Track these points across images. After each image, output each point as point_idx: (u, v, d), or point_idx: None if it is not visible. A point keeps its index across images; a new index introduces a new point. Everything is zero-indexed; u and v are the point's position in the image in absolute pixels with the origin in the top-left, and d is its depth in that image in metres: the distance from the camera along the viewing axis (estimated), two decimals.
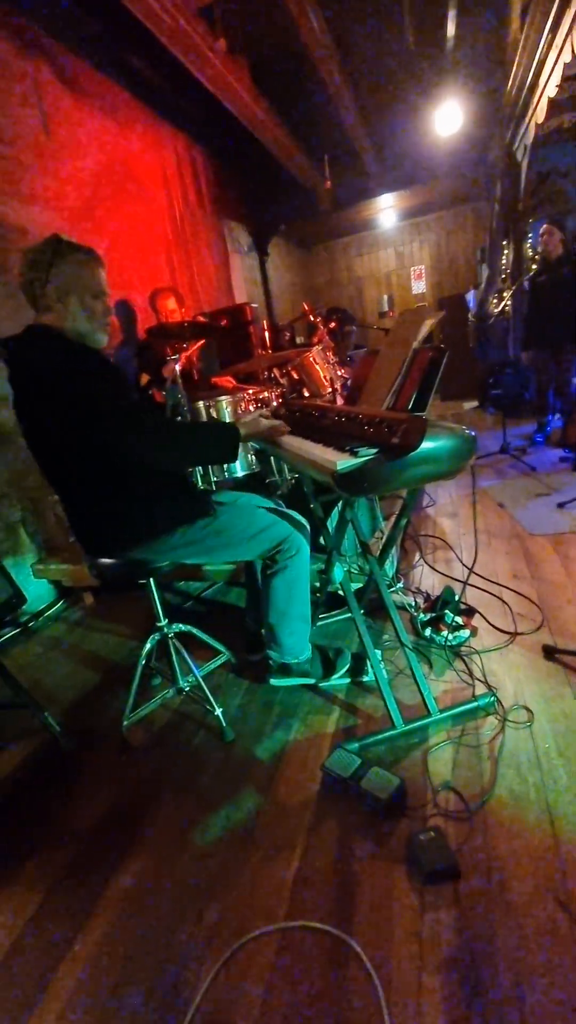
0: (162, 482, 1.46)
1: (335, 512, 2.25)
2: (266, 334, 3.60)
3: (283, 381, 3.15)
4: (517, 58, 3.69)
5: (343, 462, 1.11)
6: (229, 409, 2.68)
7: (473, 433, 1.17)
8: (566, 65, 3.31)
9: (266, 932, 1.07)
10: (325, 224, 7.77)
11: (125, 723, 1.62)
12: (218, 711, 1.60)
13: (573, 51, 3.11)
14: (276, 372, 3.51)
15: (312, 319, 3.49)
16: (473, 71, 4.41)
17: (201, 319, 3.64)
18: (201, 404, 2.62)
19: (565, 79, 3.63)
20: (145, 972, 1.04)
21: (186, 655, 1.65)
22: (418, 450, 1.09)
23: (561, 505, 3.03)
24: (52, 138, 2.96)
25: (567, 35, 3.07)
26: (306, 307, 3.36)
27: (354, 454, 1.14)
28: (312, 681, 1.78)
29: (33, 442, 1.43)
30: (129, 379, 2.11)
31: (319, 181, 5.87)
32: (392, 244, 9.11)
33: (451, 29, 3.83)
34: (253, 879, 1.18)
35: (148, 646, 1.66)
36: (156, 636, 1.67)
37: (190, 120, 4.38)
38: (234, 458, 1.43)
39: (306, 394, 2.96)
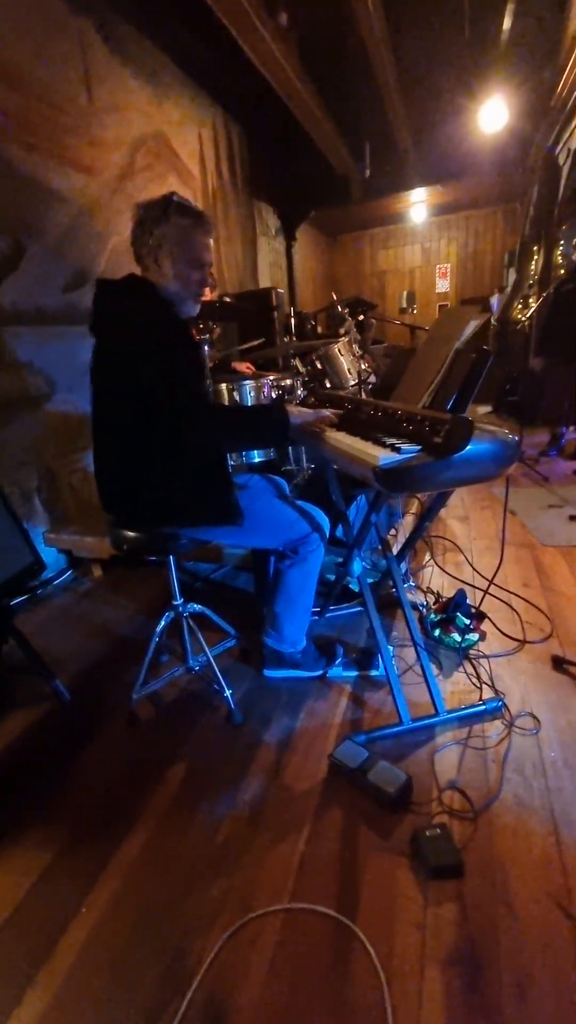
0: (209, 475, 1.45)
1: (353, 506, 2.25)
2: (291, 321, 3.57)
3: (303, 370, 3.13)
4: (573, 57, 3.62)
5: (385, 457, 1.11)
6: (253, 394, 2.67)
7: (516, 439, 1.16)
8: None
9: (272, 911, 1.08)
10: (354, 213, 7.67)
11: (135, 696, 1.64)
12: (227, 692, 1.62)
13: None
14: (297, 361, 3.49)
15: (340, 309, 3.46)
16: (524, 68, 4.32)
17: (228, 300, 3.60)
18: (224, 387, 2.61)
19: None
20: (151, 938, 1.06)
21: (200, 636, 1.66)
22: (461, 452, 1.08)
23: (573, 518, 3.04)
24: (93, 102, 2.90)
25: None
26: (335, 297, 3.34)
27: (396, 450, 1.14)
28: (303, 674, 1.79)
29: (100, 392, 1.42)
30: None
31: (353, 169, 5.78)
32: (419, 240, 9.01)
33: (507, 22, 3.75)
34: (259, 859, 1.20)
35: (163, 623, 1.67)
36: (171, 614, 1.68)
37: (230, 95, 4.30)
38: (284, 445, 1.42)
39: (328, 385, 2.94)
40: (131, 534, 1.47)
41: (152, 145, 3.43)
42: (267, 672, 1.80)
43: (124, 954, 1.04)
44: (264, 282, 5.42)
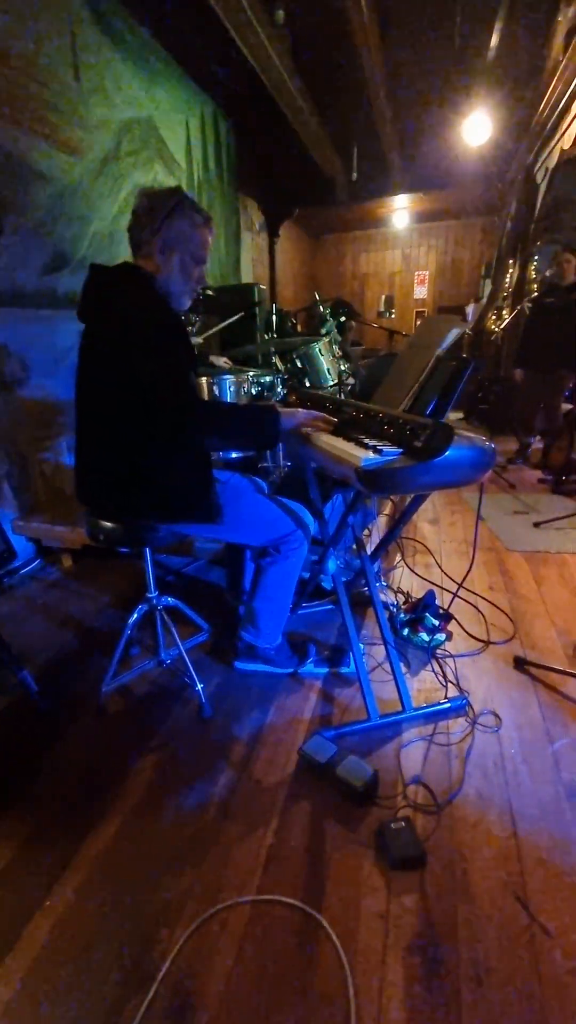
0: (193, 473, 1.44)
1: (329, 504, 2.28)
2: (273, 318, 3.57)
3: (282, 367, 3.13)
4: (554, 80, 3.73)
5: (367, 459, 1.13)
6: (232, 389, 2.67)
7: (493, 446, 1.20)
8: None
9: (238, 903, 1.10)
10: (338, 215, 7.72)
11: (104, 689, 1.62)
12: (199, 686, 1.62)
13: None
14: (277, 358, 3.49)
15: (321, 309, 3.48)
16: (508, 85, 4.43)
17: (210, 293, 3.57)
18: (203, 380, 2.60)
19: None
20: (118, 929, 1.06)
21: (173, 629, 1.65)
22: (441, 456, 1.12)
23: (537, 524, 3.15)
24: (81, 81, 2.83)
25: None
26: (317, 297, 3.36)
27: (378, 452, 1.16)
28: (274, 670, 1.81)
29: (87, 381, 1.40)
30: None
31: (339, 171, 5.81)
32: (400, 245, 9.13)
33: (494, 39, 3.84)
34: (227, 851, 1.21)
35: (135, 616, 1.66)
36: (144, 607, 1.67)
37: (220, 87, 4.27)
38: (274, 446, 1.42)
39: (307, 384, 2.96)
40: (108, 524, 1.46)
41: (139, 130, 3.37)
42: (239, 664, 1.81)
43: (90, 945, 1.03)
44: (247, 277, 5.40)
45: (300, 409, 1.50)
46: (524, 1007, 0.92)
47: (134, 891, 1.13)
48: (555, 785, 1.36)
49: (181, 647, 1.64)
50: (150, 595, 1.66)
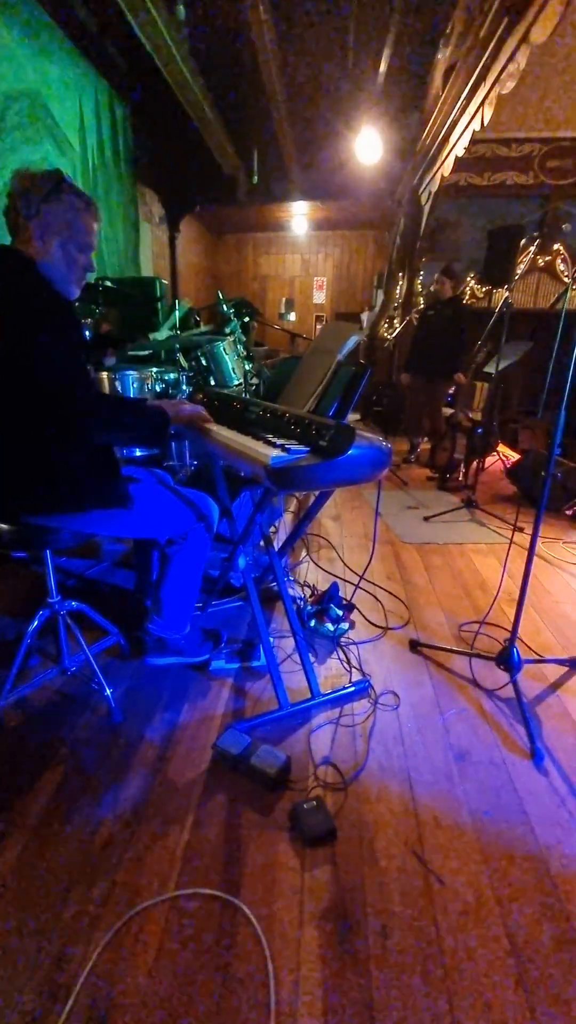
0: (94, 459, 1.40)
1: (237, 502, 2.31)
2: (175, 314, 3.51)
3: (186, 365, 3.10)
4: (435, 112, 4.07)
5: (276, 457, 1.18)
6: (136, 385, 2.60)
7: (389, 446, 1.31)
8: (475, 132, 3.74)
9: (155, 903, 1.09)
10: (240, 215, 7.75)
11: (0, 704, 1.51)
12: (107, 691, 1.57)
13: (483, 122, 3.54)
14: (181, 355, 3.45)
15: (225, 308, 3.49)
16: (396, 112, 4.75)
17: (109, 284, 3.43)
18: (105, 375, 2.50)
19: (473, 142, 4.10)
20: (27, 951, 1.00)
21: (78, 634, 1.58)
22: (344, 455, 1.20)
23: (427, 519, 3.43)
24: None
25: (480, 105, 3.48)
26: (221, 296, 3.36)
27: (285, 451, 1.21)
28: (188, 661, 1.81)
29: None
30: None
31: (239, 170, 5.85)
32: (300, 251, 9.39)
33: (383, 65, 4.09)
34: (142, 854, 1.20)
35: (35, 623, 1.56)
36: (45, 613, 1.58)
37: (116, 71, 4.10)
38: (163, 444, 1.42)
39: (212, 382, 2.97)
40: (4, 527, 1.36)
41: (27, 104, 3.14)
42: (149, 660, 1.78)
43: None
44: (147, 271, 5.24)
45: (186, 403, 1.53)
46: (424, 951, 1.03)
47: (42, 913, 1.08)
48: (445, 751, 1.52)
49: (88, 652, 1.58)
50: (52, 600, 1.58)
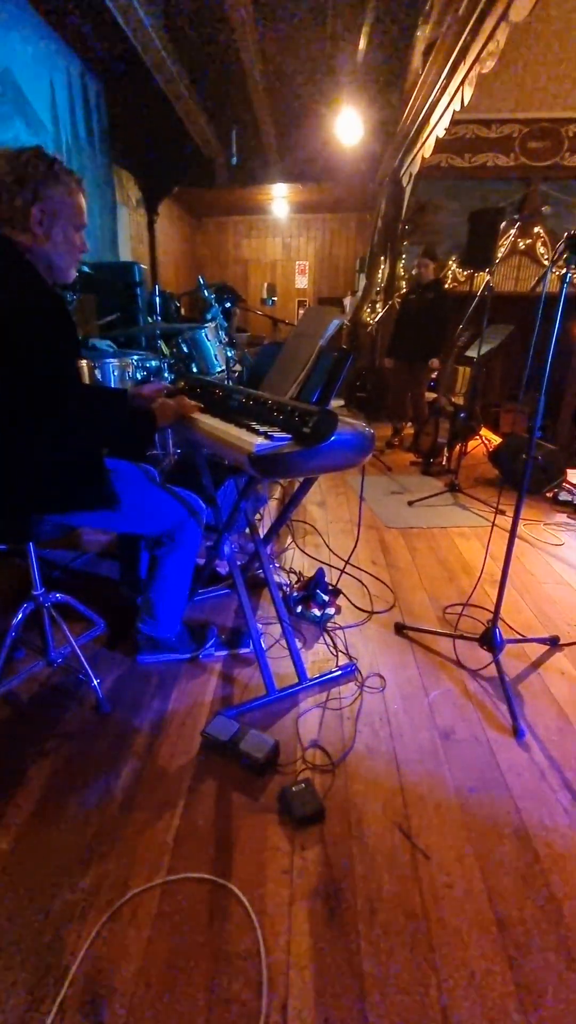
0: (81, 457, 1.38)
1: (222, 490, 2.30)
2: (157, 300, 3.45)
3: (167, 352, 3.06)
4: (415, 92, 4.02)
5: (259, 444, 1.18)
6: (116, 374, 2.56)
7: (371, 432, 1.31)
8: (455, 112, 3.70)
9: (148, 888, 1.11)
10: (219, 198, 7.60)
11: None
12: (95, 682, 1.57)
13: (463, 102, 3.50)
14: (163, 342, 3.40)
15: (206, 294, 3.44)
16: (376, 88, 4.67)
17: (86, 270, 3.35)
18: (84, 363, 2.46)
19: (454, 123, 4.05)
20: (22, 937, 1.01)
21: (64, 626, 1.57)
22: (327, 441, 1.20)
23: (411, 503, 3.46)
24: None
25: (460, 84, 3.44)
26: (202, 281, 3.31)
27: (269, 438, 1.21)
28: (179, 657, 1.82)
29: None
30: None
31: (219, 152, 5.73)
32: (281, 234, 9.26)
33: (363, 42, 4.02)
34: (134, 841, 1.21)
35: (20, 616, 1.55)
36: (30, 605, 1.57)
37: (89, 48, 3.96)
38: (146, 450, 1.40)
39: (194, 370, 2.93)
40: None
41: None
42: (141, 659, 1.78)
43: None
44: (125, 255, 5.13)
45: (169, 401, 1.50)
46: (411, 924, 1.06)
47: (37, 899, 1.09)
48: (430, 730, 1.55)
49: (74, 644, 1.57)
50: (36, 592, 1.56)
